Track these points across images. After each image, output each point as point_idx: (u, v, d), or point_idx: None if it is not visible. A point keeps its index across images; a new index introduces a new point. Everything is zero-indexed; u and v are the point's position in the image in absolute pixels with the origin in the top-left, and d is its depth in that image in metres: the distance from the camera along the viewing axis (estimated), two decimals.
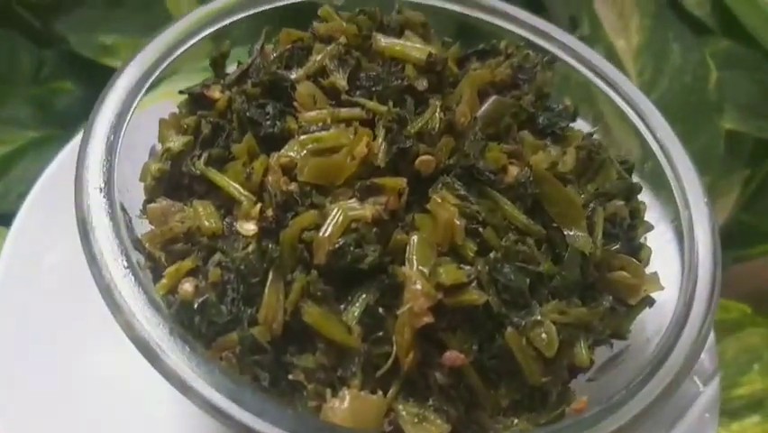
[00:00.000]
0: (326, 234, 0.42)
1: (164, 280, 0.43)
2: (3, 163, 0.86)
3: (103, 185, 0.44)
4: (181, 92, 0.51)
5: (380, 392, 0.42)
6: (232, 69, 0.53)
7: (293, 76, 0.49)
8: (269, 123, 0.47)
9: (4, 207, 0.81)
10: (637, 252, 0.49)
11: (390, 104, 0.47)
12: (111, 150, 0.46)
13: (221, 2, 0.55)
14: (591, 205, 0.47)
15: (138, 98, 0.49)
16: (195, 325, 0.42)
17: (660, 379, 0.44)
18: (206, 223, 0.44)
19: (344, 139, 0.45)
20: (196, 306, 0.42)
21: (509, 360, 0.42)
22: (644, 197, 0.52)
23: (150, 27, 0.93)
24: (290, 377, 0.42)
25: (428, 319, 0.41)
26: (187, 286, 0.42)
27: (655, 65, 0.92)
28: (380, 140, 0.45)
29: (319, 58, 0.49)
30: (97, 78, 0.91)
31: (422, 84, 0.49)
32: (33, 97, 0.93)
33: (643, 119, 0.55)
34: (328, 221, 0.42)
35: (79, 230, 0.43)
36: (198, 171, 0.46)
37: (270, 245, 0.42)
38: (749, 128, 0.97)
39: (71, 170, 0.46)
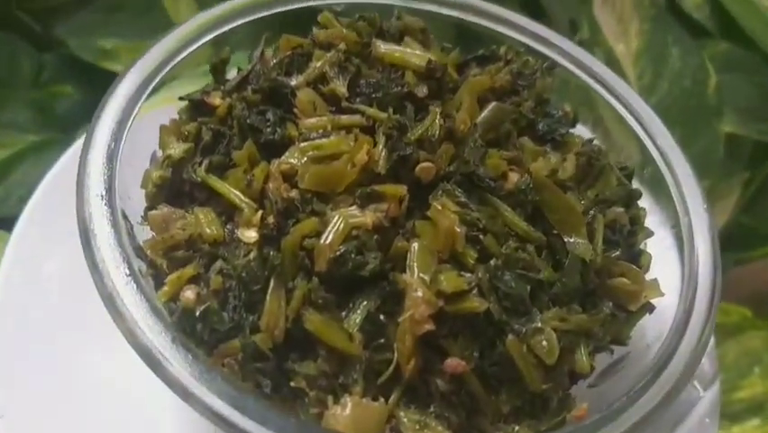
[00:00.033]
0: (327, 242, 0.42)
1: (166, 288, 0.43)
2: (3, 167, 0.86)
3: (104, 193, 0.44)
4: (181, 98, 0.51)
5: (382, 399, 0.42)
6: (232, 74, 0.53)
7: (293, 82, 0.49)
8: (269, 129, 0.47)
9: (5, 210, 0.81)
10: (637, 258, 0.49)
11: (390, 110, 0.47)
12: (112, 157, 0.46)
13: (221, 8, 0.55)
14: (591, 212, 0.47)
15: (138, 105, 0.49)
16: (197, 332, 0.42)
17: (660, 386, 0.44)
18: (208, 230, 0.44)
19: (345, 146, 0.45)
20: (197, 313, 0.42)
21: (510, 367, 0.42)
22: (645, 201, 0.52)
23: (149, 31, 0.95)
24: (292, 384, 0.42)
25: (429, 327, 0.41)
26: (189, 293, 0.43)
27: (655, 69, 0.93)
28: (381, 147, 0.45)
29: (319, 64, 0.49)
30: (97, 81, 0.92)
31: (422, 90, 0.49)
32: (33, 101, 0.94)
33: (642, 125, 0.55)
34: (329, 228, 0.42)
35: (81, 238, 0.43)
36: (199, 178, 0.46)
37: (272, 253, 0.42)
38: (748, 131, 0.97)
39: (72, 175, 0.46)
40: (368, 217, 0.43)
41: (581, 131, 0.56)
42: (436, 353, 0.42)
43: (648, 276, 0.49)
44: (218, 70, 0.53)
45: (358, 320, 0.42)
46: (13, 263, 0.58)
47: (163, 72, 0.51)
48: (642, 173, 0.54)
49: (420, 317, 0.41)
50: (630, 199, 0.50)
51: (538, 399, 0.44)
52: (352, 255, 0.42)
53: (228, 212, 0.45)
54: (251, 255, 0.42)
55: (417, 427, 0.42)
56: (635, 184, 0.53)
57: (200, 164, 0.47)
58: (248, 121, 0.47)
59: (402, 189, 0.44)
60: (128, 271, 0.42)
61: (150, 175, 0.47)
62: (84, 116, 0.89)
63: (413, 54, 0.50)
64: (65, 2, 0.99)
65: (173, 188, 0.48)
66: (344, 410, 0.41)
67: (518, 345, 0.42)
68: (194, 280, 0.44)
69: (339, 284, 0.42)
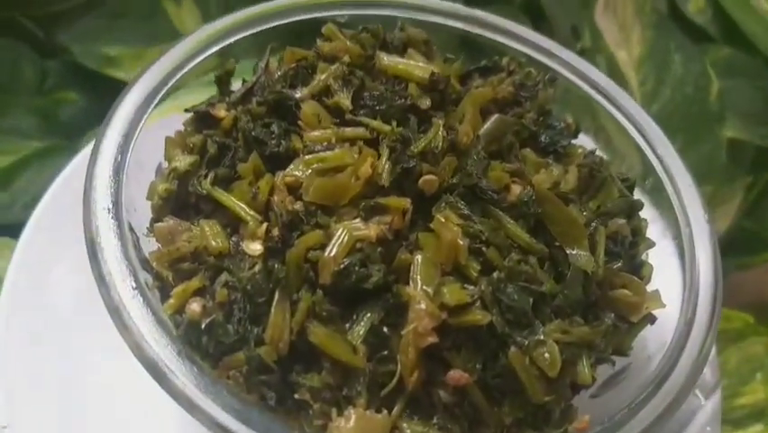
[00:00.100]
0: (332, 255, 0.42)
1: (172, 300, 0.44)
2: (7, 174, 0.86)
3: (111, 206, 0.45)
4: (187, 110, 0.51)
5: (385, 411, 0.42)
6: (236, 84, 0.54)
7: (298, 95, 0.49)
8: (274, 142, 0.47)
9: (10, 217, 0.81)
10: (639, 269, 0.49)
11: (394, 123, 0.47)
12: (118, 170, 0.46)
13: (226, 20, 0.55)
14: (593, 223, 0.47)
15: (144, 118, 0.49)
16: (202, 344, 0.43)
17: (662, 397, 0.44)
18: (213, 242, 0.44)
19: (349, 158, 0.45)
20: (203, 326, 0.43)
21: (513, 379, 0.43)
22: (646, 211, 0.52)
23: (153, 38, 0.95)
24: (296, 396, 0.42)
25: (433, 339, 0.41)
26: (195, 306, 0.43)
27: (657, 76, 0.93)
28: (384, 159, 0.45)
29: (323, 77, 0.49)
30: (101, 88, 0.92)
31: (425, 103, 0.49)
32: (37, 108, 0.94)
33: (643, 135, 0.55)
34: (333, 241, 0.43)
35: (88, 250, 0.43)
36: (205, 191, 0.47)
37: (276, 265, 0.42)
38: (751, 136, 0.98)
39: (79, 182, 0.46)
40: (371, 230, 0.43)
41: (584, 140, 0.56)
42: (439, 365, 0.42)
43: (650, 287, 0.49)
44: (223, 82, 0.53)
45: (362, 332, 0.42)
46: (20, 270, 0.58)
47: (169, 84, 0.51)
48: (643, 183, 0.55)
49: (423, 329, 0.41)
50: (632, 211, 0.50)
51: (540, 410, 0.44)
52: (356, 268, 0.42)
53: (233, 224, 0.46)
54: (256, 268, 0.43)
55: None
56: (637, 193, 0.53)
57: (205, 177, 0.47)
58: (253, 133, 0.47)
59: (405, 202, 0.44)
60: (134, 285, 0.42)
61: (156, 187, 0.48)
62: (88, 123, 0.90)
63: (416, 66, 0.51)
64: (68, 8, 0.99)
65: (179, 201, 0.48)
66: (348, 422, 0.41)
67: (521, 357, 0.42)
68: (199, 292, 0.44)
69: (343, 296, 0.42)
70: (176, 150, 0.49)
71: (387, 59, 0.51)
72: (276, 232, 0.43)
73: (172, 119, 0.52)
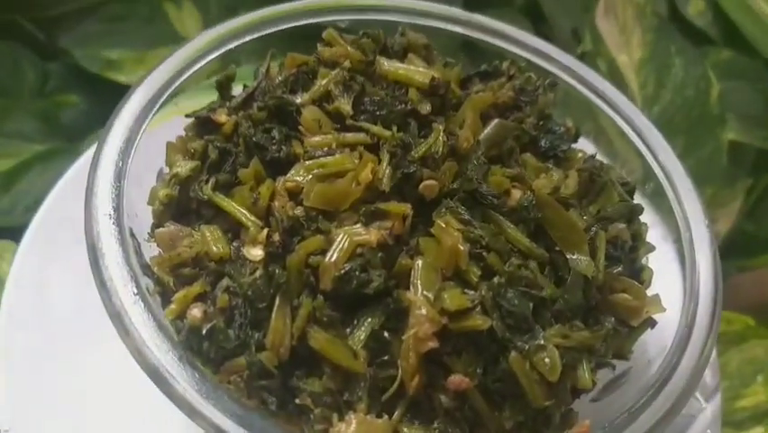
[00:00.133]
0: (332, 260, 0.42)
1: (173, 306, 0.44)
2: (9, 177, 0.86)
3: (112, 212, 0.45)
4: (188, 116, 0.51)
5: (386, 416, 0.42)
6: (237, 89, 0.54)
7: (298, 100, 0.49)
8: (274, 147, 0.47)
9: (11, 221, 0.81)
10: (639, 273, 0.49)
11: (395, 129, 0.47)
12: (120, 176, 0.46)
13: (227, 25, 0.55)
14: (593, 228, 0.47)
15: (146, 123, 0.49)
16: (203, 350, 0.43)
17: (662, 401, 0.44)
18: (214, 248, 0.45)
19: (349, 164, 0.45)
20: (204, 331, 0.43)
21: (513, 383, 0.42)
22: (646, 215, 0.53)
23: (154, 41, 0.95)
24: (297, 401, 0.42)
25: (433, 344, 0.41)
26: (196, 312, 0.43)
27: (657, 79, 0.93)
28: (385, 165, 0.45)
29: (324, 83, 0.49)
30: (103, 91, 0.93)
31: (425, 108, 0.49)
32: (39, 111, 0.94)
33: (643, 140, 0.55)
34: (334, 246, 0.43)
35: (89, 256, 0.44)
36: (206, 196, 0.47)
37: (277, 270, 0.42)
38: (751, 138, 0.98)
39: (81, 186, 0.47)
40: (372, 235, 0.43)
41: (584, 145, 0.57)
42: (440, 369, 0.43)
43: (650, 291, 0.49)
44: (224, 87, 0.53)
45: (362, 337, 0.42)
46: (21, 273, 0.58)
47: (170, 90, 0.51)
48: (644, 188, 0.55)
49: (424, 334, 0.41)
50: (632, 215, 0.50)
51: (541, 414, 0.44)
52: (357, 273, 0.42)
53: (234, 229, 0.46)
54: (257, 273, 0.43)
55: None
56: (638, 198, 0.53)
57: (207, 182, 0.47)
58: (254, 139, 0.47)
59: (406, 207, 0.44)
60: (136, 290, 0.42)
61: (157, 193, 0.48)
62: (89, 126, 0.90)
63: (416, 71, 0.51)
64: (69, 11, 1.00)
65: (180, 206, 0.48)
66: (349, 427, 0.41)
67: (521, 362, 0.42)
68: (200, 297, 0.44)
69: (343, 301, 0.42)
70: (177, 155, 0.50)
71: (387, 65, 0.51)
72: (277, 237, 0.43)
73: (173, 123, 0.52)
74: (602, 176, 0.50)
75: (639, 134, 0.56)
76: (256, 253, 0.44)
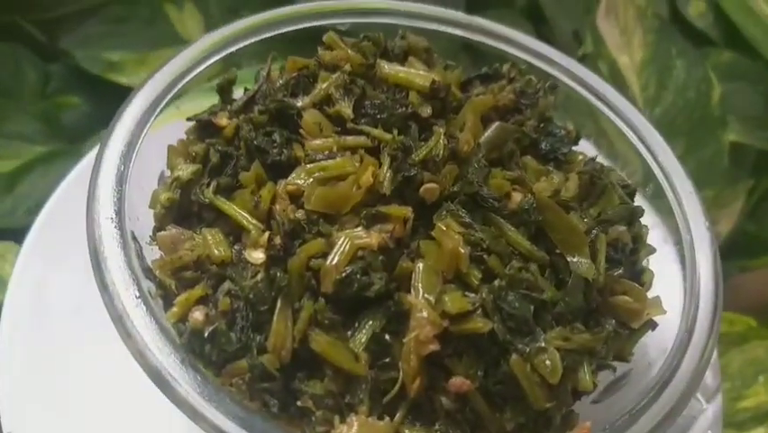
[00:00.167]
0: (333, 263, 0.42)
1: (175, 309, 0.44)
2: (10, 178, 0.86)
3: (114, 215, 0.45)
4: (189, 119, 0.51)
5: (387, 418, 0.42)
6: (238, 93, 0.54)
7: (299, 104, 0.49)
8: (275, 151, 0.47)
9: (13, 222, 0.82)
10: (640, 276, 0.49)
11: (395, 132, 0.47)
12: (121, 180, 0.46)
13: (229, 28, 0.55)
14: (594, 231, 0.47)
15: (147, 127, 0.49)
16: (205, 352, 0.43)
17: (663, 403, 0.44)
18: (216, 251, 0.45)
19: (350, 167, 0.45)
20: (206, 334, 0.43)
21: (514, 386, 0.43)
22: (647, 217, 0.53)
23: (155, 43, 0.96)
24: (299, 403, 0.42)
25: (434, 347, 0.41)
26: (198, 315, 0.43)
27: (659, 81, 0.93)
28: (386, 168, 0.45)
29: (325, 86, 0.49)
30: (104, 92, 0.93)
31: (426, 111, 0.49)
32: (40, 112, 0.94)
33: (644, 143, 0.56)
34: (335, 249, 0.43)
35: (91, 259, 0.44)
36: (207, 200, 0.47)
37: (279, 273, 0.42)
38: (753, 139, 0.98)
39: (83, 187, 0.47)
40: (373, 238, 0.43)
41: (585, 147, 0.57)
42: (441, 371, 0.43)
43: (650, 293, 0.49)
44: (225, 90, 0.53)
45: (363, 340, 0.42)
46: (24, 274, 0.59)
47: (171, 93, 0.51)
48: (644, 190, 0.55)
49: (425, 337, 0.41)
50: (632, 218, 0.50)
51: (542, 416, 0.44)
52: (358, 276, 0.42)
53: (236, 233, 0.46)
54: (259, 276, 0.43)
55: None
56: (638, 200, 0.54)
57: (208, 185, 0.47)
58: (255, 142, 0.47)
59: (407, 210, 0.44)
60: (138, 293, 0.42)
61: (159, 196, 0.48)
62: (91, 127, 0.90)
63: (417, 74, 0.51)
64: (71, 13, 1.00)
65: (181, 209, 0.48)
66: (351, 429, 0.41)
67: (522, 364, 0.42)
68: (202, 300, 0.44)
69: (345, 304, 0.43)
70: (178, 158, 0.50)
71: (388, 68, 0.51)
72: (278, 240, 0.44)
73: (175, 126, 0.52)
74: (603, 178, 0.50)
75: (639, 136, 0.56)
76: (257, 256, 0.44)
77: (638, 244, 0.50)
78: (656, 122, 0.86)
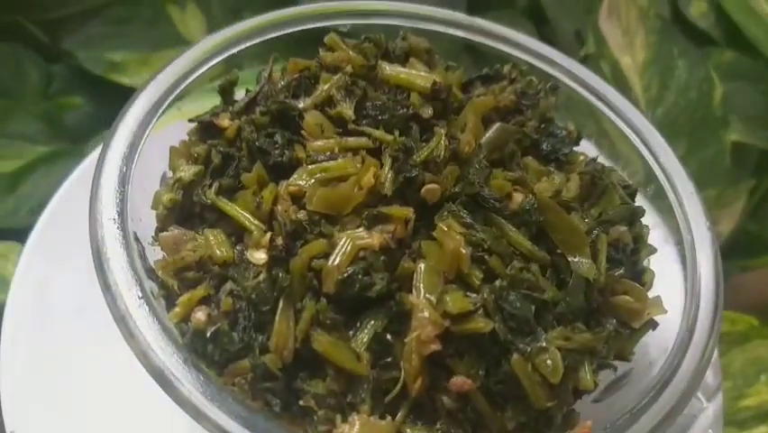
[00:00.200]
0: (335, 264, 0.42)
1: (177, 309, 0.44)
2: (13, 178, 0.87)
3: (116, 216, 0.45)
4: (191, 120, 0.51)
5: (389, 417, 0.42)
6: (240, 93, 0.54)
7: (301, 105, 0.50)
8: (277, 152, 0.48)
9: (16, 222, 0.82)
10: (640, 275, 0.50)
11: (396, 133, 0.47)
12: (124, 181, 0.47)
13: (230, 30, 0.56)
14: (595, 231, 0.47)
15: (149, 128, 0.50)
16: (207, 352, 0.43)
17: (663, 402, 0.44)
18: (218, 252, 0.45)
19: (352, 168, 0.46)
20: (208, 334, 0.43)
21: (515, 385, 0.43)
22: (648, 217, 0.53)
23: (158, 43, 0.96)
24: (301, 403, 0.42)
25: (436, 347, 0.41)
26: (200, 315, 0.43)
27: (661, 81, 0.93)
28: (387, 169, 0.46)
29: (326, 87, 0.50)
30: (106, 93, 0.93)
31: (427, 112, 0.49)
32: (42, 112, 0.94)
33: (645, 143, 0.56)
34: (337, 250, 0.43)
35: (94, 260, 0.44)
36: (209, 201, 0.47)
37: (281, 274, 0.43)
38: (754, 139, 0.98)
39: (86, 187, 0.47)
40: (375, 239, 0.44)
41: (586, 147, 0.57)
42: (442, 371, 0.43)
43: (651, 293, 0.49)
44: (226, 92, 0.53)
45: (365, 340, 0.42)
46: (26, 274, 0.59)
47: (173, 95, 0.51)
48: (645, 190, 0.55)
49: (426, 337, 0.41)
50: (633, 218, 0.50)
51: (543, 415, 0.44)
52: (360, 276, 0.42)
53: (238, 233, 0.46)
54: (261, 277, 0.43)
55: None
56: (639, 200, 0.54)
57: (210, 186, 0.47)
58: (256, 143, 0.48)
59: (408, 211, 0.45)
60: (140, 294, 0.43)
61: (161, 197, 0.48)
62: (93, 127, 0.90)
63: (418, 76, 0.51)
64: (73, 14, 1.00)
65: (183, 210, 0.48)
66: (352, 429, 0.41)
67: (523, 364, 0.43)
68: (204, 301, 0.44)
69: (346, 304, 0.43)
70: (180, 160, 0.50)
71: (389, 69, 0.51)
72: (280, 241, 0.44)
73: (176, 127, 0.53)
74: (604, 179, 0.50)
75: (640, 137, 0.56)
76: (259, 256, 0.44)
77: (639, 244, 0.50)
78: (658, 122, 0.86)
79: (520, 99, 0.54)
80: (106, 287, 0.43)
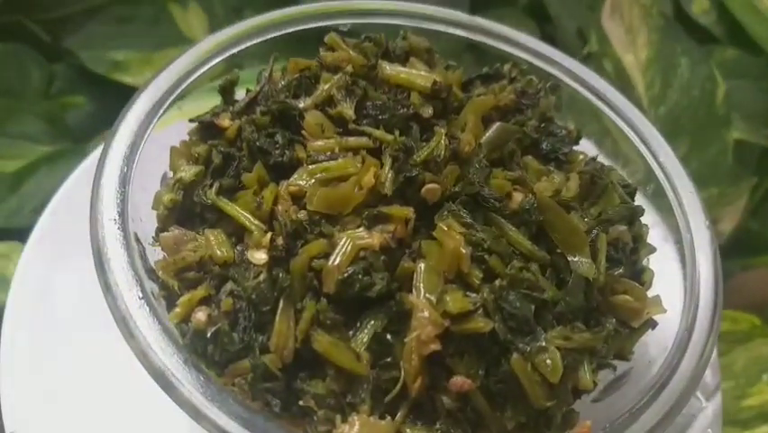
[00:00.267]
0: (335, 264, 0.43)
1: (177, 309, 0.44)
2: (16, 178, 0.87)
3: (117, 217, 0.45)
4: (191, 120, 0.51)
5: (389, 417, 0.42)
6: (240, 93, 0.54)
7: (301, 105, 0.50)
8: (278, 152, 0.48)
9: (18, 222, 0.82)
10: (640, 275, 0.50)
11: (397, 133, 0.48)
12: (124, 181, 0.47)
13: (231, 29, 0.56)
14: (594, 230, 0.47)
15: (150, 128, 0.50)
16: (208, 353, 0.43)
17: (663, 401, 0.44)
18: (218, 252, 0.45)
19: (352, 168, 0.46)
20: (209, 334, 0.43)
21: (515, 385, 0.43)
22: (648, 216, 0.53)
23: (160, 42, 0.96)
24: (301, 403, 0.42)
25: (435, 347, 0.41)
26: (200, 315, 0.43)
27: (664, 79, 0.93)
28: (387, 169, 0.46)
29: (326, 87, 0.50)
30: (108, 92, 0.93)
31: (427, 111, 0.50)
32: (45, 112, 0.94)
33: (645, 142, 0.56)
34: (337, 250, 0.43)
35: (95, 260, 0.44)
36: (210, 201, 0.47)
37: (281, 274, 0.43)
38: (756, 137, 0.98)
39: (87, 187, 0.47)
40: (375, 239, 0.44)
41: (586, 147, 0.57)
42: (442, 371, 0.43)
43: (650, 292, 0.49)
44: (227, 91, 0.53)
45: (365, 340, 0.42)
46: (27, 274, 0.59)
47: (174, 94, 0.52)
48: (645, 189, 0.55)
49: (426, 337, 0.41)
50: (633, 217, 0.50)
51: (542, 415, 0.44)
52: (360, 276, 0.42)
53: (238, 234, 0.46)
54: (261, 277, 0.43)
55: None
56: (639, 199, 0.54)
57: (210, 186, 0.47)
58: (257, 143, 0.48)
59: (408, 211, 0.45)
60: (141, 294, 0.43)
61: (162, 197, 0.48)
62: (96, 127, 0.91)
63: (418, 75, 0.51)
64: (75, 13, 1.00)
65: (184, 211, 0.48)
66: (352, 429, 0.41)
67: (523, 363, 0.43)
68: (205, 301, 0.44)
69: (346, 305, 0.43)
70: (181, 160, 0.50)
71: (389, 69, 0.51)
72: (280, 241, 0.44)
73: (177, 127, 0.53)
74: (603, 178, 0.50)
75: (640, 136, 0.56)
76: (260, 256, 0.44)
77: (639, 244, 0.50)
78: (661, 120, 0.86)
79: (520, 99, 0.54)
80: (107, 287, 0.43)
